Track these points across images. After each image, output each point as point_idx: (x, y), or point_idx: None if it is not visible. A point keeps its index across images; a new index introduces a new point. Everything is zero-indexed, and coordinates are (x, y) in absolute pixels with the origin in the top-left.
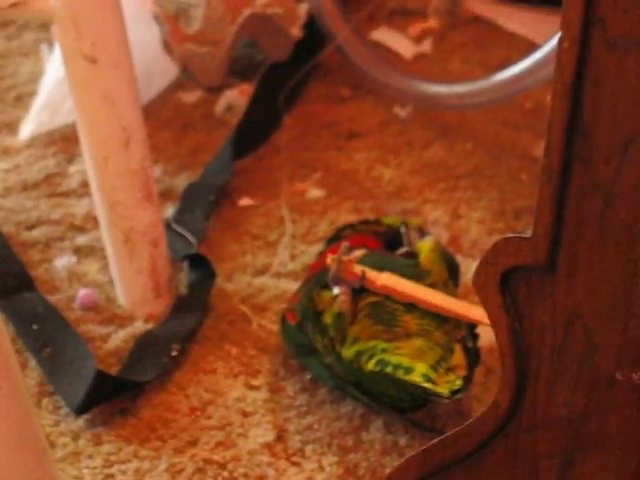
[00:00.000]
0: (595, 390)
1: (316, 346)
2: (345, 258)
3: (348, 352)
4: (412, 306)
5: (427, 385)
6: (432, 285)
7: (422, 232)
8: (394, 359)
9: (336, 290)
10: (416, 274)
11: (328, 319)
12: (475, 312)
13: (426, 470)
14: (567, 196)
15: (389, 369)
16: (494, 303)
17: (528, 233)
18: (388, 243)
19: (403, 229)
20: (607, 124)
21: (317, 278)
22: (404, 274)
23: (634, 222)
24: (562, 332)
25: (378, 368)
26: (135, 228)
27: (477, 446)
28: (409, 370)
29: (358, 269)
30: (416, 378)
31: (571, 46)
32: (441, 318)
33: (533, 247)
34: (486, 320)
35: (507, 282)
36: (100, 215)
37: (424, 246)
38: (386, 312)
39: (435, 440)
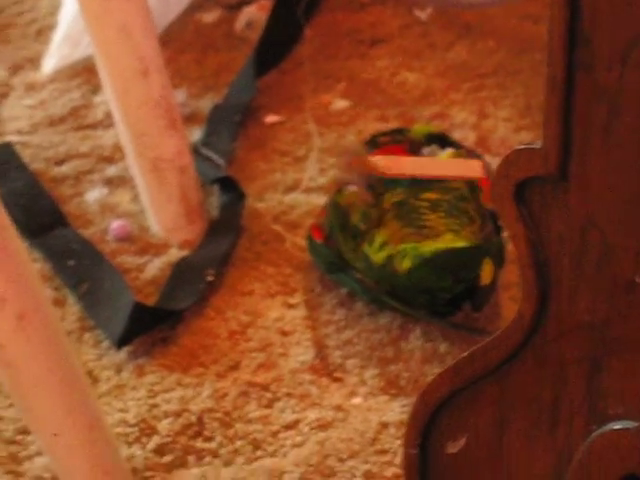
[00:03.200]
0: (615, 295)
1: (346, 257)
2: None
3: (378, 257)
4: (436, 204)
5: (472, 243)
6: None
7: (444, 143)
8: (429, 248)
9: (346, 191)
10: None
11: (355, 218)
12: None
13: (458, 384)
14: (573, 105)
15: (426, 255)
16: (510, 215)
17: (538, 144)
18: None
19: (426, 148)
20: (607, 30)
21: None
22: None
23: None
24: (579, 239)
25: (416, 261)
26: (162, 156)
27: (505, 357)
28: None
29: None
30: (459, 243)
31: None
32: (466, 218)
33: (544, 158)
34: None
35: (522, 193)
36: (126, 146)
37: (445, 155)
38: (412, 211)
39: (464, 354)
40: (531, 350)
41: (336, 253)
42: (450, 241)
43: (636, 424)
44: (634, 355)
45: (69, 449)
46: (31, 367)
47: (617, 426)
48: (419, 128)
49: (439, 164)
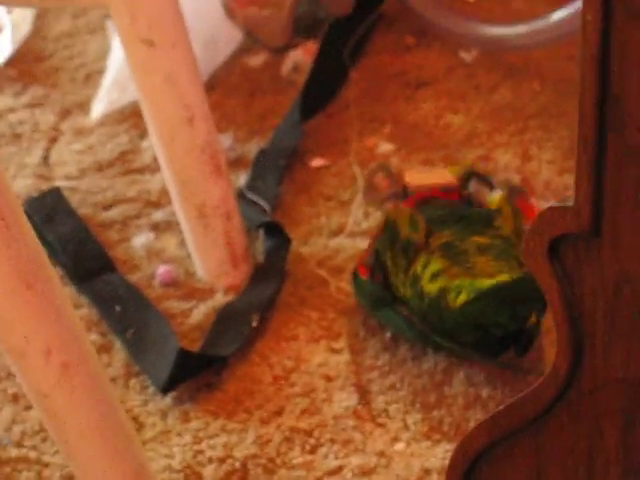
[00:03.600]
0: None
1: (395, 283)
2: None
3: (432, 287)
4: (485, 248)
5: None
6: (500, 235)
7: (490, 185)
8: (486, 283)
9: (390, 206)
10: (485, 216)
11: (404, 230)
12: None
13: (495, 435)
14: (604, 164)
15: (485, 288)
16: (544, 271)
17: (571, 202)
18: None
19: (472, 186)
20: (636, 92)
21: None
22: (471, 217)
23: None
24: (612, 295)
25: (473, 295)
26: (207, 203)
27: (541, 411)
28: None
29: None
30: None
31: (594, 18)
32: (516, 262)
33: (576, 215)
34: None
35: (555, 250)
36: (172, 192)
37: (494, 199)
38: (460, 253)
39: (501, 407)
40: (566, 404)
41: (382, 287)
42: (507, 278)
43: None
44: None
45: None
46: (76, 417)
47: None
48: (458, 167)
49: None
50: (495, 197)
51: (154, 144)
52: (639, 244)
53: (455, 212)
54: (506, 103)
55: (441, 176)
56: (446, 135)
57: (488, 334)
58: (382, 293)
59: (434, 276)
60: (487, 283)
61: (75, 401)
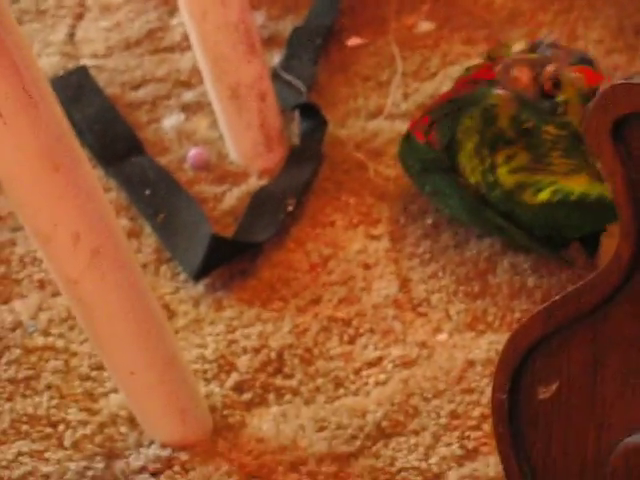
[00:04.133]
0: None
1: (463, 164)
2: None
3: (509, 179)
4: (556, 141)
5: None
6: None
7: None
8: (573, 189)
9: (498, 92)
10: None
11: (503, 122)
12: None
13: (550, 327)
14: None
15: (572, 196)
16: (607, 153)
17: (638, 79)
18: None
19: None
20: None
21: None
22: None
23: None
24: None
25: (557, 198)
26: (241, 82)
27: (601, 301)
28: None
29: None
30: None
31: None
32: (582, 157)
33: None
34: None
35: (620, 130)
36: (204, 71)
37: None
38: (539, 145)
39: (557, 297)
40: (628, 292)
41: (442, 155)
42: (587, 185)
43: None
44: None
45: (146, 387)
46: (105, 304)
47: None
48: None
49: None
50: (571, 78)
51: (185, 21)
52: None
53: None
54: None
55: None
56: (488, 13)
57: (560, 235)
58: (437, 155)
59: (513, 170)
60: (575, 188)
61: (105, 287)
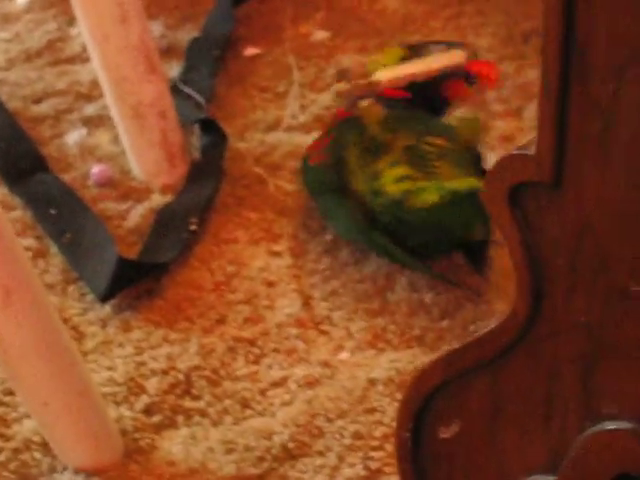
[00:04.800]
0: (610, 300)
1: (352, 179)
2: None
3: (395, 189)
4: (443, 152)
5: None
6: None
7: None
8: (460, 185)
9: (362, 103)
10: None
11: (373, 129)
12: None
13: (450, 373)
14: (568, 115)
15: (461, 190)
16: (503, 217)
17: (532, 150)
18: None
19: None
20: (603, 45)
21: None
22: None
23: (637, 141)
24: (574, 244)
25: (446, 196)
26: (142, 102)
27: (499, 352)
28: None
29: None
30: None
31: None
32: (471, 168)
33: (537, 164)
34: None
35: (516, 196)
36: (106, 91)
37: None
38: (421, 157)
39: (457, 346)
40: (525, 346)
41: (330, 173)
42: (473, 181)
43: (630, 425)
44: (628, 359)
45: (59, 416)
46: (18, 340)
47: (611, 426)
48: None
49: (426, 63)
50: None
51: (87, 43)
52: (599, 194)
53: (416, 115)
54: None
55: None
56: (381, 20)
57: (451, 237)
58: (327, 177)
59: (398, 179)
60: (461, 185)
61: (17, 325)
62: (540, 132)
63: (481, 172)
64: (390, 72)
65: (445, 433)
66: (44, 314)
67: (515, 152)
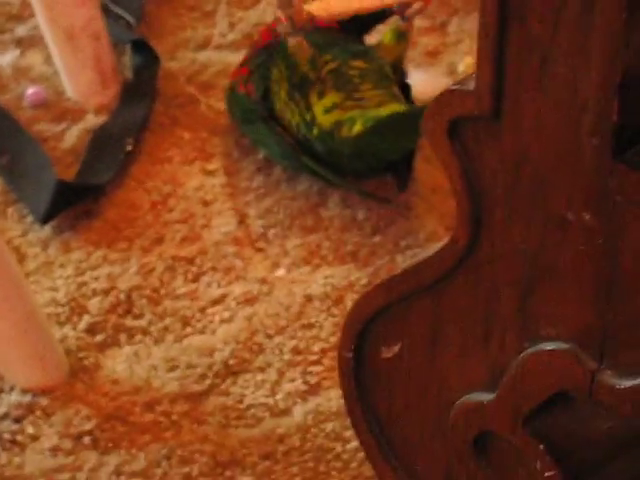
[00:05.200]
0: (548, 228)
1: (279, 109)
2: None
3: (325, 120)
4: (365, 74)
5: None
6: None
7: None
8: (382, 112)
9: (291, 41)
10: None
11: (304, 67)
12: None
13: (391, 298)
14: (506, 52)
15: (382, 117)
16: (444, 149)
17: (471, 85)
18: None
19: None
20: None
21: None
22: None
23: (573, 78)
24: (512, 174)
25: (369, 124)
26: (75, 24)
27: (439, 277)
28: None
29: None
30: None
31: None
32: (391, 88)
33: (477, 99)
34: None
35: (455, 129)
36: (38, 14)
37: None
38: (347, 81)
39: (397, 272)
40: (464, 272)
41: (257, 102)
42: (396, 106)
43: (567, 346)
44: (565, 283)
45: (5, 338)
46: None
47: (549, 347)
48: None
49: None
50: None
51: None
52: (537, 127)
53: (340, 41)
54: None
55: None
56: None
57: (380, 161)
58: (256, 106)
59: (327, 110)
60: (382, 112)
61: None
62: (479, 68)
63: (404, 89)
64: (326, 5)
65: (387, 353)
66: None
67: (454, 87)
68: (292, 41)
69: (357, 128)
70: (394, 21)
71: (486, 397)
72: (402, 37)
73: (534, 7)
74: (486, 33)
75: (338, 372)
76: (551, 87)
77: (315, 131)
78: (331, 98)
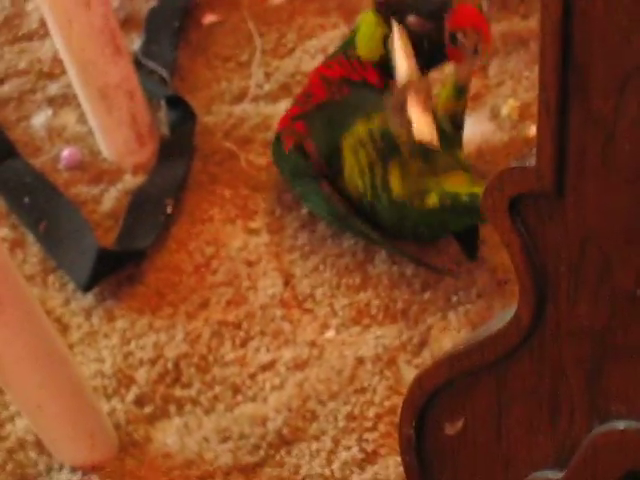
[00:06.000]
0: (617, 304)
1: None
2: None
3: (399, 190)
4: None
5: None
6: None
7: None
8: (459, 190)
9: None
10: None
11: (399, 140)
12: None
13: (454, 375)
14: (568, 129)
15: (460, 199)
16: (505, 226)
17: (532, 162)
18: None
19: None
20: (601, 60)
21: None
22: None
23: (639, 152)
24: (577, 252)
25: (446, 201)
26: (109, 83)
27: (503, 355)
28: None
29: None
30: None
31: None
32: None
33: (538, 176)
34: None
35: (516, 205)
36: (71, 73)
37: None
38: (419, 149)
39: (461, 347)
40: (529, 349)
41: (314, 163)
42: (470, 184)
43: (638, 424)
44: (635, 360)
45: (53, 418)
46: (10, 348)
47: (620, 425)
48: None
49: None
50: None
51: (51, 29)
52: (602, 204)
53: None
54: None
55: None
56: None
57: (443, 233)
58: (307, 164)
59: (404, 178)
60: (461, 190)
61: (9, 333)
62: (540, 144)
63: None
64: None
65: (450, 430)
66: (36, 322)
67: (515, 164)
68: (396, 121)
69: (432, 201)
70: (454, 73)
71: (555, 475)
72: (462, 92)
73: (596, 82)
74: (547, 109)
75: (399, 448)
76: (616, 164)
77: (384, 200)
78: (411, 167)
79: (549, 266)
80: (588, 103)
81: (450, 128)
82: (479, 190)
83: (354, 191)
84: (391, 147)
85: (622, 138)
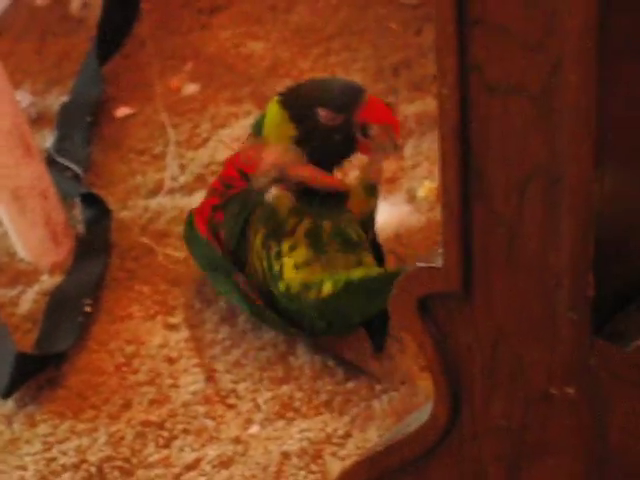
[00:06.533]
0: (531, 403)
1: (249, 256)
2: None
3: (294, 277)
4: (336, 236)
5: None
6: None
7: None
8: (355, 274)
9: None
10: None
11: (282, 216)
12: None
13: (374, 475)
14: (472, 229)
15: (355, 279)
16: (415, 327)
17: (439, 262)
18: None
19: None
20: (500, 163)
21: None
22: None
23: (543, 252)
24: (489, 352)
25: (339, 285)
26: (21, 185)
27: (422, 454)
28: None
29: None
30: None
31: (451, 93)
32: (361, 250)
33: (445, 277)
34: None
35: (425, 306)
36: None
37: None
38: (318, 241)
39: (380, 447)
40: (447, 448)
41: (226, 256)
42: (366, 270)
43: None
44: (554, 459)
45: None
46: None
47: None
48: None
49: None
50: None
51: None
52: (510, 303)
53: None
54: (305, 24)
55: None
56: (249, 67)
57: (344, 325)
58: (221, 258)
59: (297, 266)
60: (353, 275)
61: None
62: (446, 245)
63: (374, 247)
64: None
65: None
66: None
67: (422, 265)
68: (275, 192)
69: (327, 289)
70: (362, 173)
71: None
72: (372, 191)
73: (497, 185)
74: (450, 211)
75: None
76: (521, 263)
77: (281, 287)
78: (302, 254)
79: (462, 366)
80: (490, 205)
81: (356, 234)
82: (372, 272)
83: (255, 276)
84: (280, 225)
85: (526, 238)
